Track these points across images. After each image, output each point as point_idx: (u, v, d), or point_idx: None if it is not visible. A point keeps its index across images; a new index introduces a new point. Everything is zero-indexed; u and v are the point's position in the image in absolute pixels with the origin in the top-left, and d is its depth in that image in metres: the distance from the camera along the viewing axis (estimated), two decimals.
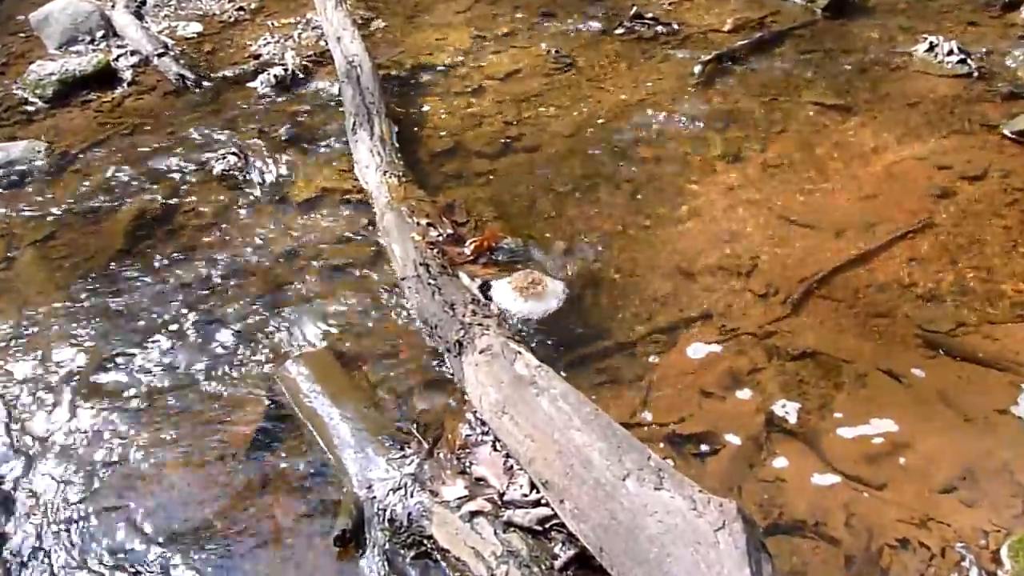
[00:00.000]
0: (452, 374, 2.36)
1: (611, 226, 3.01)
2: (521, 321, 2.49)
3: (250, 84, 3.87)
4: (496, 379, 2.09)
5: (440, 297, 2.47)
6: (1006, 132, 3.00)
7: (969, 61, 3.37)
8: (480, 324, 2.29)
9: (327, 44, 3.75)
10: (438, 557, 1.86)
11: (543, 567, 1.72)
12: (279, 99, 3.79)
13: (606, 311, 2.59)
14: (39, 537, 1.94)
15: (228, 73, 3.91)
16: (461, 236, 2.92)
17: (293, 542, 1.92)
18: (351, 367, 2.41)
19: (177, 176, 3.23)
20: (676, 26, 3.82)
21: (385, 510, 1.94)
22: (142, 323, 2.57)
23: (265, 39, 3.92)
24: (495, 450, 2.06)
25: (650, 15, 3.86)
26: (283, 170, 3.31)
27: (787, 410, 2.23)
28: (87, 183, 3.13)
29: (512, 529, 1.81)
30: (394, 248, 2.77)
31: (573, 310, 2.57)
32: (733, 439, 2.16)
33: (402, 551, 1.88)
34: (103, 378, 2.37)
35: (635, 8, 3.86)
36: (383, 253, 2.83)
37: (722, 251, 2.87)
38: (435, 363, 2.41)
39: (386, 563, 1.86)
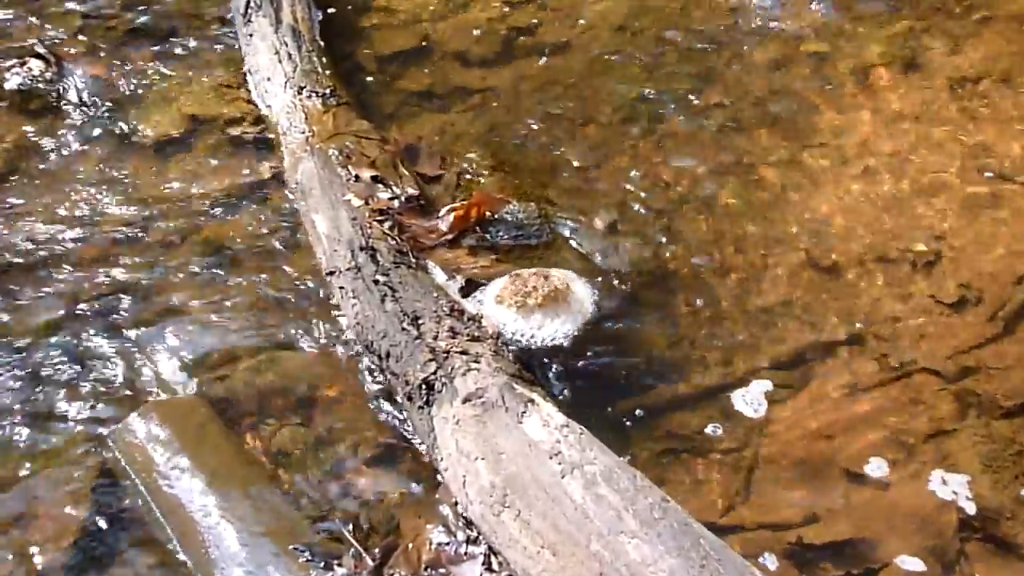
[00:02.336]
0: (415, 437, 2.40)
1: (689, 183, 2.98)
2: (523, 351, 2.53)
3: None
4: (492, 447, 2.10)
5: (395, 304, 2.50)
6: None
7: None
8: (464, 352, 2.31)
9: None
10: None
11: None
12: None
13: (681, 330, 2.63)
14: None
15: None
16: (432, 200, 2.90)
17: None
18: (239, 425, 2.44)
19: None
20: None
21: None
22: None
23: None
24: (489, 571, 2.07)
25: None
26: (126, 86, 3.29)
27: (996, 504, 2.23)
28: None
29: None
30: (316, 220, 2.80)
31: (623, 329, 2.61)
32: (904, 555, 2.16)
33: None
34: None
35: None
36: (298, 229, 2.88)
37: (881, 228, 2.84)
38: (385, 417, 2.45)
39: None
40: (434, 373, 2.31)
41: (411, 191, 2.88)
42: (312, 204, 2.84)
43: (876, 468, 2.33)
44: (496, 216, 2.87)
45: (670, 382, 2.52)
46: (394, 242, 2.70)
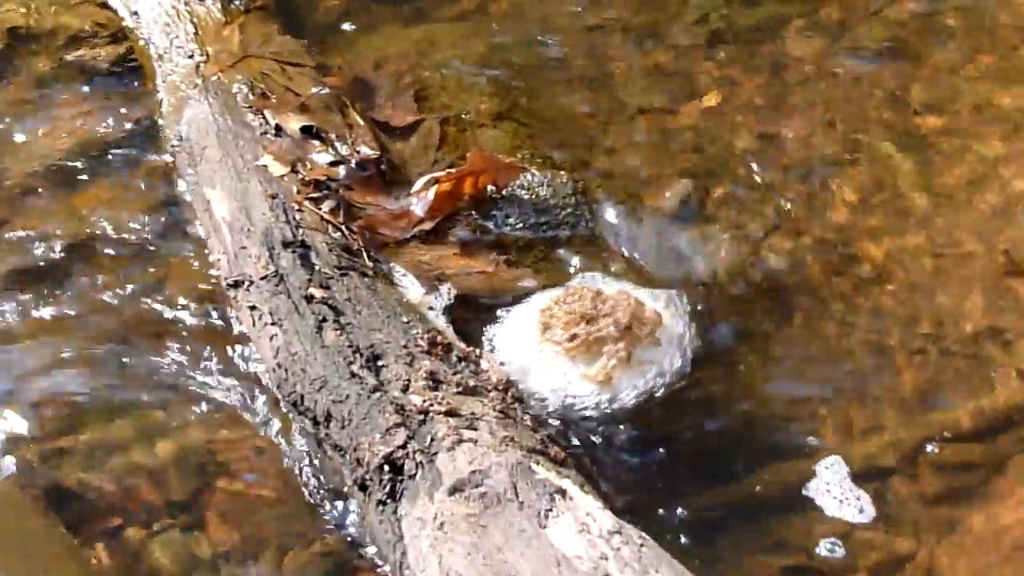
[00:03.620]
0: (371, 548, 2.38)
1: (815, 142, 3.02)
2: (574, 417, 2.54)
3: None
4: (498, 567, 2.05)
5: (340, 336, 2.50)
6: None
7: None
8: (452, 413, 2.31)
9: None
10: None
11: None
12: None
13: (804, 377, 2.68)
14: None
15: None
16: (402, 166, 2.95)
17: None
18: (86, 529, 2.44)
19: None
20: None
21: None
22: None
23: None
24: None
25: None
26: None
27: None
28: None
29: None
30: (212, 199, 2.82)
31: (709, 375, 2.63)
32: None
33: None
34: None
35: None
36: (183, 213, 2.94)
37: None
38: (326, 518, 2.46)
39: None
40: (403, 447, 2.27)
41: (367, 151, 2.87)
42: (205, 173, 2.83)
43: None
44: (504, 192, 2.85)
45: (785, 459, 2.54)
46: (339, 234, 2.69)
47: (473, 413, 2.30)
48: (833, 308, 2.75)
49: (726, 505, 2.47)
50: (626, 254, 2.82)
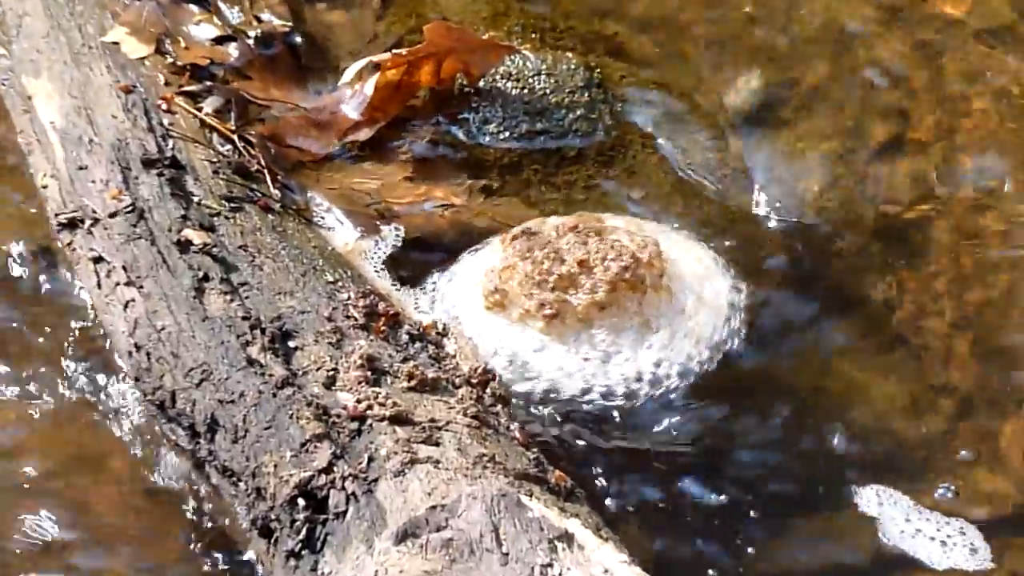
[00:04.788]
0: None
1: (966, 11, 3.06)
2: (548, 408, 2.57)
3: None
4: None
5: (231, 301, 2.55)
6: None
7: None
8: (401, 419, 2.36)
9: None
10: None
11: None
12: None
13: (928, 373, 2.67)
14: None
15: None
16: (321, 43, 2.95)
17: None
18: None
19: None
20: None
21: None
22: None
23: None
24: None
25: None
26: None
27: None
28: None
29: None
30: (34, 93, 2.92)
31: (791, 365, 2.66)
32: None
33: None
34: None
35: None
36: None
37: None
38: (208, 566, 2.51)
39: None
40: (327, 470, 2.31)
41: (272, 19, 2.90)
42: (25, 54, 2.93)
43: None
44: (482, 84, 2.86)
45: (908, 482, 2.54)
46: (229, 147, 2.68)
47: (434, 420, 2.35)
48: (965, 271, 2.76)
49: (794, 555, 2.62)
50: (663, 178, 2.81)
